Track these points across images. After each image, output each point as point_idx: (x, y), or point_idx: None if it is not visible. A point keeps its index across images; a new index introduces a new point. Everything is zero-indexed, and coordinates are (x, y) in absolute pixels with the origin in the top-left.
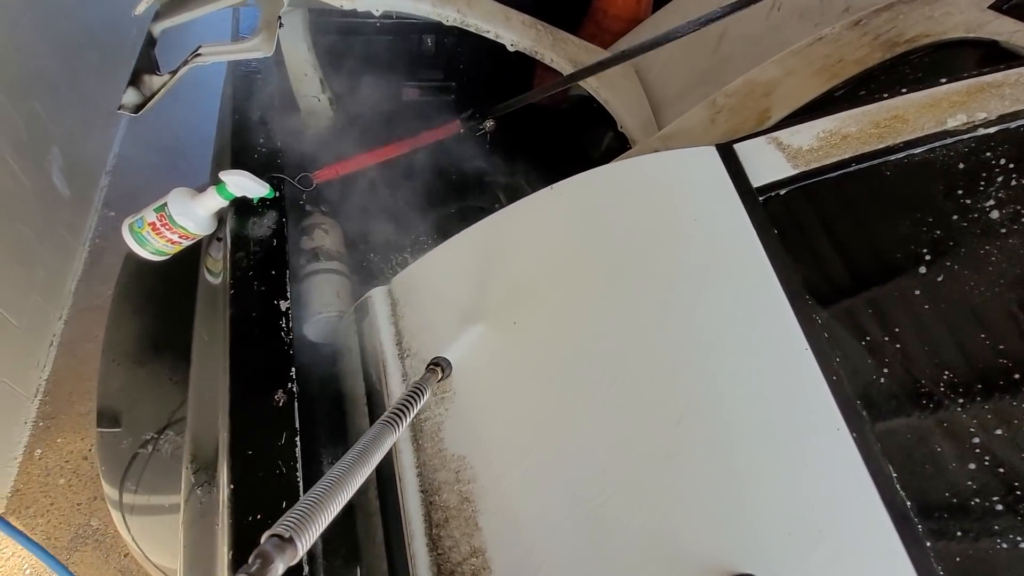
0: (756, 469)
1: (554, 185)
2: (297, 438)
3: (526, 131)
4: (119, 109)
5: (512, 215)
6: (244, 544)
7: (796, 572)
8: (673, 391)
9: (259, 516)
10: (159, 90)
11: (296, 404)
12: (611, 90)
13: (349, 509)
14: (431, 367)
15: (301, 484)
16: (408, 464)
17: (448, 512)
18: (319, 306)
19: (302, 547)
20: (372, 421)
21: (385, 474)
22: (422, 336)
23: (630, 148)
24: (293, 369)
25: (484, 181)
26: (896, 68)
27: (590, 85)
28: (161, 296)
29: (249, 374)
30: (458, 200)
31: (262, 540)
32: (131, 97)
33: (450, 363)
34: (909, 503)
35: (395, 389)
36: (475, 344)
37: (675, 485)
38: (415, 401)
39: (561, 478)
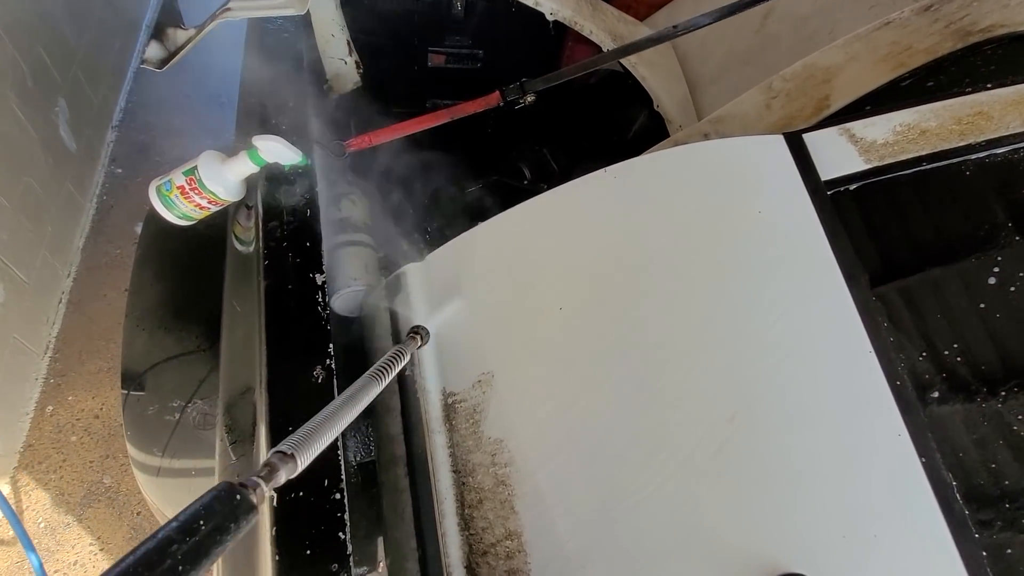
0: (811, 470)
1: (608, 168)
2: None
3: (554, 105)
4: (142, 64)
5: (562, 197)
6: (286, 524)
7: (843, 569)
8: (727, 387)
9: (300, 493)
10: (184, 45)
11: (335, 381)
12: (649, 67)
13: (376, 488)
14: (411, 334)
15: (342, 464)
16: (441, 444)
17: (482, 494)
18: (347, 279)
19: (301, 463)
20: (402, 398)
21: (416, 452)
22: (468, 316)
23: (666, 127)
24: (331, 345)
25: (510, 156)
26: (967, 59)
27: (628, 61)
28: (185, 261)
29: (287, 349)
30: (483, 174)
31: (269, 454)
32: (154, 52)
33: (429, 332)
34: (968, 512)
35: (428, 365)
36: (515, 327)
37: (722, 483)
38: (397, 361)
39: (603, 469)
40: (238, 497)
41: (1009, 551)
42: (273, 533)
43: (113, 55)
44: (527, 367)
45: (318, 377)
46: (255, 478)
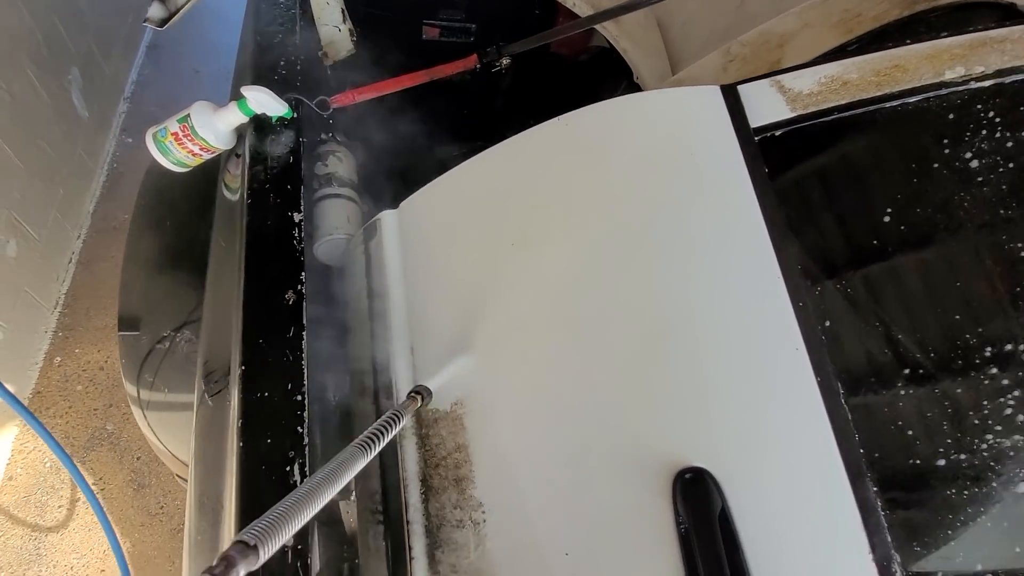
0: (722, 381)
1: (562, 116)
2: (304, 332)
3: (544, 80)
4: (144, 22)
5: (520, 144)
6: (251, 416)
7: (742, 469)
8: (656, 310)
9: (266, 394)
10: (184, 5)
11: (304, 303)
12: (631, 40)
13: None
14: (412, 395)
15: (305, 372)
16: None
17: (438, 414)
18: (329, 228)
19: (264, 554)
20: (374, 338)
21: (382, 382)
22: (425, 259)
23: None
24: (303, 273)
25: (498, 127)
26: (911, 26)
27: (610, 33)
28: (180, 210)
29: (263, 275)
30: (471, 141)
31: (228, 546)
32: (156, 11)
33: (431, 392)
34: (854, 422)
35: (397, 306)
36: (474, 259)
37: (642, 391)
38: (391, 427)
39: (540, 380)
40: None
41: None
42: (239, 425)
43: (126, 29)
44: (483, 295)
45: (289, 299)
46: None
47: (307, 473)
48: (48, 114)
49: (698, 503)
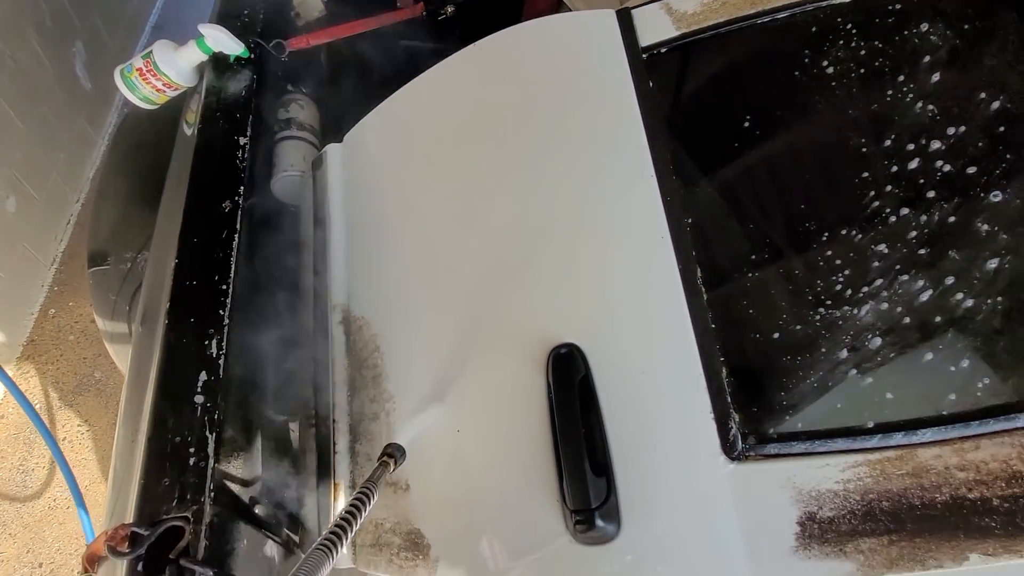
0: (595, 267)
1: (479, 41)
2: (236, 236)
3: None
4: None
5: (440, 69)
6: (179, 300)
7: (607, 343)
8: (541, 205)
9: (194, 282)
10: None
11: (239, 212)
12: (588, 3)
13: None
14: (383, 459)
15: (232, 267)
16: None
17: (362, 322)
18: (285, 166)
19: None
20: (315, 259)
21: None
22: (362, 183)
23: None
24: (241, 188)
25: None
26: None
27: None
28: (148, 156)
29: (205, 186)
30: None
31: None
32: None
33: (403, 450)
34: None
35: (336, 228)
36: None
37: (531, 278)
38: (361, 509)
39: (442, 273)
40: None
41: (736, 318)
42: (167, 308)
43: (132, 8)
44: (402, 210)
45: (226, 207)
46: None
47: (224, 348)
48: (51, 83)
49: (563, 372)
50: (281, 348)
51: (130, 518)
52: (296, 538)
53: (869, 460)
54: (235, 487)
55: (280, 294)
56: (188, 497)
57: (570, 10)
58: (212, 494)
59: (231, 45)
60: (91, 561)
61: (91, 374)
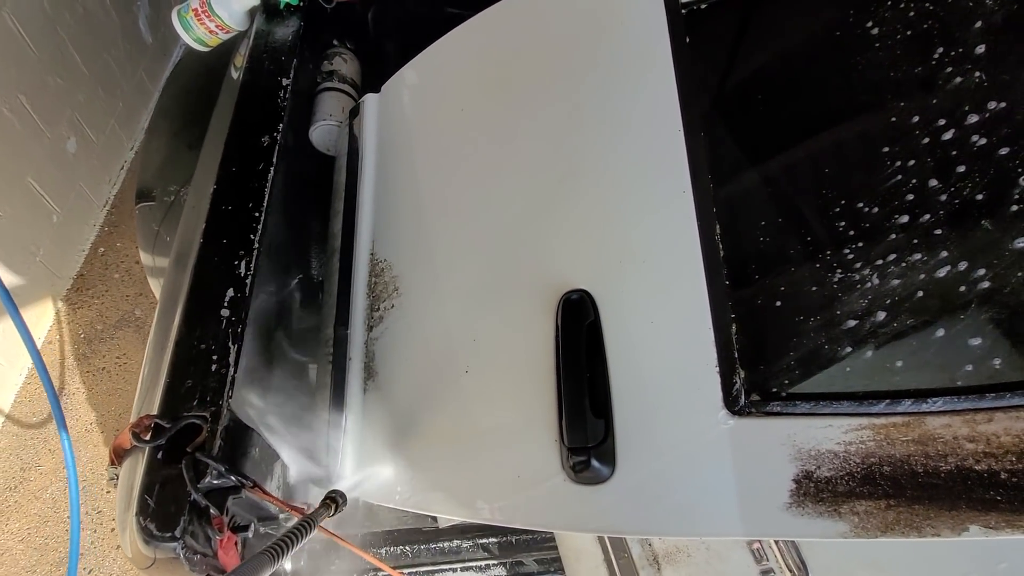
0: (614, 216)
1: None
2: (272, 168)
3: None
4: None
5: (480, 21)
6: (215, 222)
7: (619, 292)
8: (568, 154)
9: (230, 207)
10: None
11: (277, 147)
12: None
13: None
14: (326, 501)
15: (266, 196)
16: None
17: (384, 265)
18: (323, 115)
19: None
20: (346, 205)
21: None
22: (397, 128)
23: None
24: (280, 124)
25: None
26: None
27: None
28: (197, 101)
29: (246, 121)
30: None
31: None
32: None
33: (345, 498)
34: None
35: (368, 173)
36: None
37: (550, 224)
38: (301, 535)
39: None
40: None
41: (750, 274)
42: (203, 228)
43: None
44: (433, 159)
45: (264, 142)
46: None
47: (252, 269)
48: (115, 33)
49: (571, 316)
50: (306, 286)
51: (155, 413)
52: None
53: (874, 424)
54: (252, 399)
55: (309, 235)
56: (208, 399)
57: None
58: (230, 399)
59: None
60: (117, 454)
61: (132, 311)
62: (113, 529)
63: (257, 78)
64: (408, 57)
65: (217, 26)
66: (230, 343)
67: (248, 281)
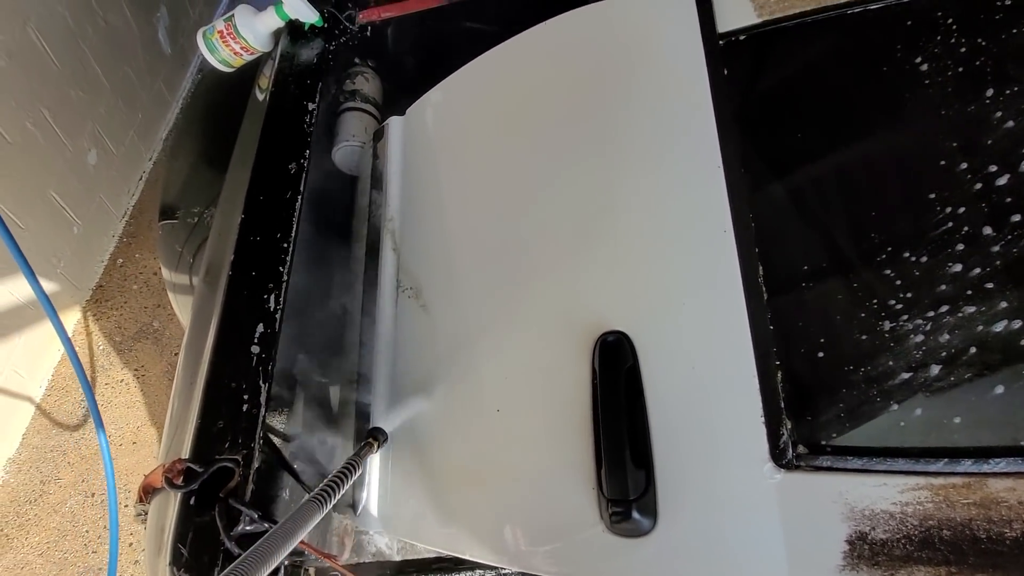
0: (652, 255)
1: (548, 21)
2: (300, 197)
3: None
4: None
5: (508, 47)
6: (243, 253)
7: (658, 334)
8: (603, 187)
9: (258, 238)
10: None
11: (304, 174)
12: None
13: None
14: (368, 440)
15: (295, 226)
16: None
17: (410, 293)
18: (346, 135)
19: None
20: (369, 229)
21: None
22: (422, 157)
23: None
24: (307, 151)
25: None
26: None
27: None
28: (220, 119)
29: (273, 148)
30: None
31: None
32: None
33: (387, 435)
34: (767, 298)
35: (393, 198)
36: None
37: (586, 261)
38: (347, 477)
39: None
40: None
41: (795, 321)
42: (231, 260)
43: None
44: (460, 187)
45: (292, 169)
46: None
47: (281, 303)
48: (136, 45)
49: (609, 360)
50: (330, 312)
51: (186, 455)
52: None
53: (932, 484)
54: (280, 439)
55: (333, 260)
56: (240, 441)
57: None
58: (261, 441)
59: (307, 13)
60: (146, 491)
61: (150, 323)
62: (131, 544)
63: (283, 102)
64: (427, 72)
65: (242, 47)
66: (261, 381)
67: (278, 316)
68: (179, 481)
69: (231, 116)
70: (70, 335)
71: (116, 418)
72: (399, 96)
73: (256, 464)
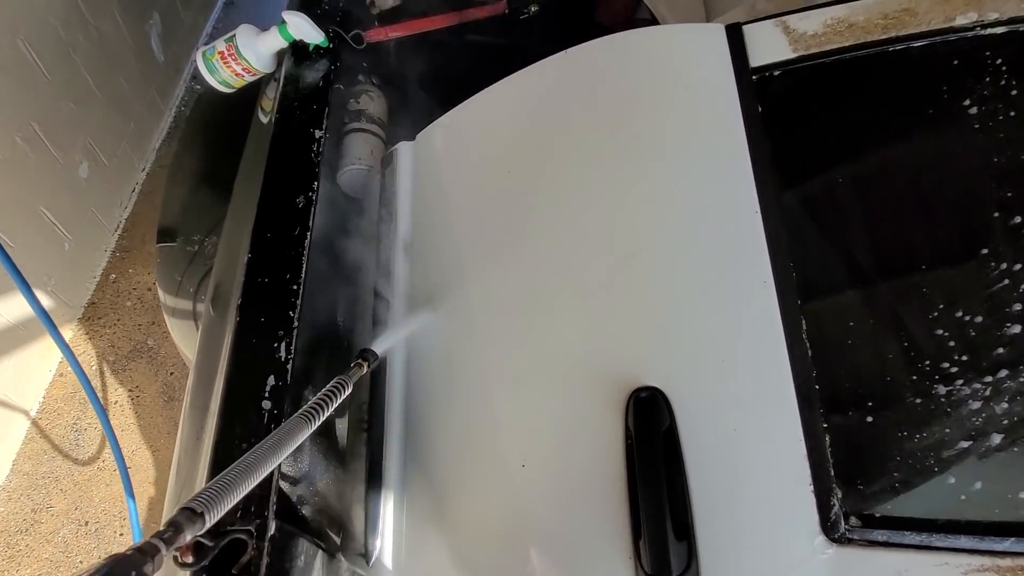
0: (688, 306)
1: (569, 49)
2: (308, 232)
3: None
4: None
5: (527, 76)
6: (251, 296)
7: (696, 392)
8: (635, 232)
9: (266, 279)
10: None
11: (312, 209)
12: (669, 6)
13: None
14: (358, 360)
15: (304, 265)
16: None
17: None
18: (352, 159)
19: (210, 520)
20: (379, 255)
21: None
22: (433, 186)
23: None
24: (316, 183)
25: None
26: None
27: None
28: (221, 137)
29: (280, 179)
30: None
31: (176, 512)
32: None
33: (377, 356)
34: (813, 358)
35: (403, 233)
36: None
37: (616, 310)
38: (336, 395)
39: (521, 295)
40: (133, 574)
41: (842, 381)
42: (239, 303)
43: None
44: (477, 220)
45: (300, 203)
46: (155, 541)
47: (292, 351)
48: (128, 53)
49: (645, 419)
50: (337, 352)
51: None
52: (338, 541)
53: (998, 566)
54: (292, 500)
55: (340, 296)
56: (252, 510)
57: (648, 15)
58: (275, 507)
59: (312, 34)
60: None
61: (144, 341)
62: None
63: (288, 130)
64: (430, 88)
65: (244, 68)
66: None
67: (289, 366)
68: (188, 559)
69: (232, 134)
70: (62, 356)
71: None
72: (402, 111)
73: (270, 533)
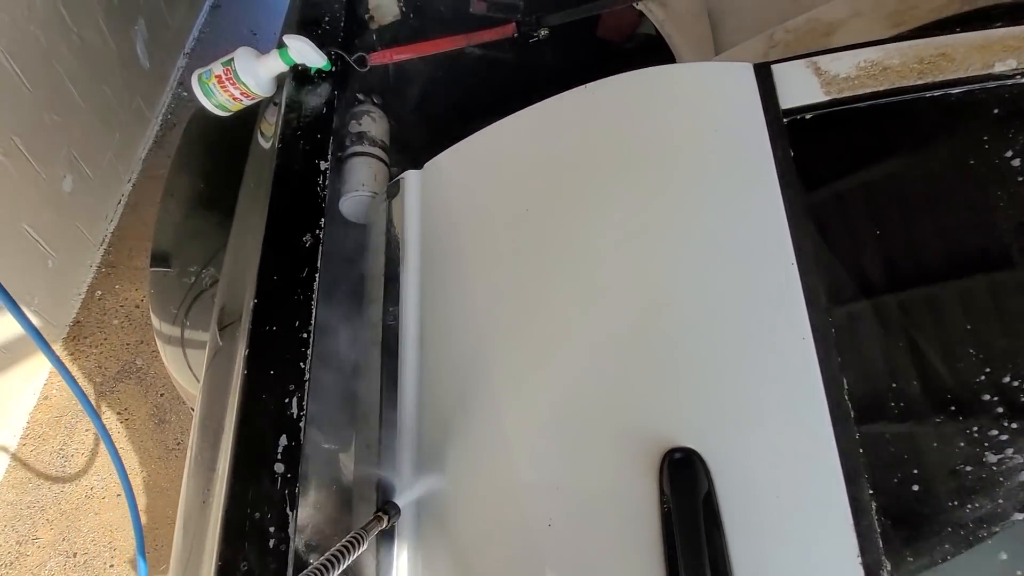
0: (721, 364)
1: (589, 84)
2: (316, 274)
3: (587, 65)
4: None
5: (544, 110)
6: (259, 348)
7: (734, 455)
8: (662, 285)
9: (274, 328)
10: None
11: (320, 247)
12: (677, 26)
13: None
14: (378, 514)
15: (314, 311)
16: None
17: (436, 389)
18: (355, 184)
19: None
20: (386, 298)
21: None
22: (443, 220)
23: None
24: (322, 219)
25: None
26: (971, 23)
27: (656, 17)
28: (218, 156)
29: (285, 217)
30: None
31: None
32: None
33: (399, 510)
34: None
35: (411, 264)
36: (490, 221)
37: (645, 366)
38: (349, 552)
39: (542, 348)
40: None
41: (888, 447)
42: (246, 354)
43: None
44: (491, 259)
45: (307, 242)
46: None
47: (304, 407)
48: (112, 61)
49: (683, 483)
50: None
51: None
52: None
53: None
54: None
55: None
56: None
57: (652, 24)
58: None
59: (314, 57)
60: None
61: (133, 361)
62: None
63: (292, 162)
64: (432, 105)
65: (242, 93)
66: (288, 509)
67: (302, 424)
68: None
69: (228, 154)
70: (46, 377)
71: (98, 468)
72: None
73: None
